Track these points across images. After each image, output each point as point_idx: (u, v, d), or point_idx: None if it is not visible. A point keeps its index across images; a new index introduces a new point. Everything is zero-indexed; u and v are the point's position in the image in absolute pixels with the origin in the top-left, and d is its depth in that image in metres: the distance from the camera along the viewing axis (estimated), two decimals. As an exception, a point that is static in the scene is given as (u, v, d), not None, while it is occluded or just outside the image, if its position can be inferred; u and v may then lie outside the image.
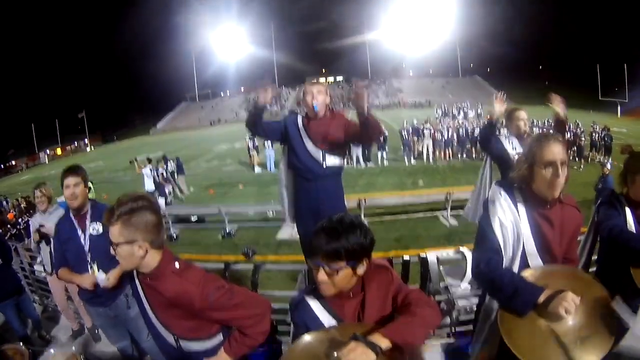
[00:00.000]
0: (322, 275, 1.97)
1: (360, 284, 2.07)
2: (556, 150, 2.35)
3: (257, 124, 4.07)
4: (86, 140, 74.51)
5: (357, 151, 22.20)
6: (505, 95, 5.09)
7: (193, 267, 2.43)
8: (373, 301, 2.09)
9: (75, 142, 72.57)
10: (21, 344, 3.41)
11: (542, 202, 2.44)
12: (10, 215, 15.29)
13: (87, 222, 3.69)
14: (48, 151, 65.22)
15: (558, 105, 4.79)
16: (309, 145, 4.03)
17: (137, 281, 2.45)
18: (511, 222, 2.43)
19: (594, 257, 3.47)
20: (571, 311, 1.99)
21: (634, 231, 3.00)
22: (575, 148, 21.62)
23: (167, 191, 17.26)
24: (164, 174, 16.84)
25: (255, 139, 23.95)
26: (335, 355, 1.73)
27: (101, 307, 3.73)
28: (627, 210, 3.06)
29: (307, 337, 1.95)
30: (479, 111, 47.56)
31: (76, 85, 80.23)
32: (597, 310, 2.09)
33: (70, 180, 3.63)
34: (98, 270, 3.46)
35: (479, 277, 2.46)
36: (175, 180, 19.06)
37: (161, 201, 16.44)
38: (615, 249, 2.99)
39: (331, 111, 4.08)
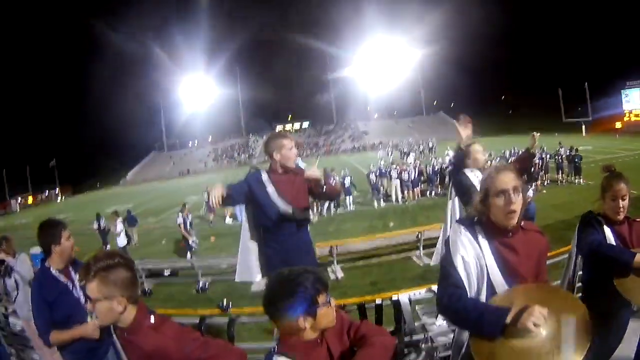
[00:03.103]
0: (334, 306, 2.19)
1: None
2: (507, 179, 2.42)
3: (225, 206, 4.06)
4: (57, 190, 73.65)
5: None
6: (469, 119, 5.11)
7: (168, 320, 2.45)
8: (335, 343, 2.19)
9: (47, 191, 71.61)
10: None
11: (503, 232, 2.46)
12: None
13: (72, 274, 3.64)
14: (20, 199, 64.31)
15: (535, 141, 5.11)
16: (279, 202, 3.99)
17: (114, 337, 2.45)
18: (473, 257, 2.43)
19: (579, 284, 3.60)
20: (540, 324, 1.99)
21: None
22: (542, 172, 22.28)
23: (191, 242, 16.60)
24: (184, 223, 16.32)
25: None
26: None
27: None
28: (606, 229, 3.18)
29: None
30: (430, 146, 49.22)
31: (47, 134, 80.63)
32: (568, 314, 2.10)
33: (68, 233, 3.64)
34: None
35: (444, 311, 2.46)
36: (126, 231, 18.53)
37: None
38: (598, 264, 3.10)
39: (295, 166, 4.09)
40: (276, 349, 2.16)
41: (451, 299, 2.32)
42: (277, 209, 3.99)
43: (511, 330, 2.06)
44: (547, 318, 2.02)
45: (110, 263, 2.26)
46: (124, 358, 2.43)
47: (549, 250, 2.69)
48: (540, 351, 1.98)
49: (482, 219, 2.53)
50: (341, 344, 2.22)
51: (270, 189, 4.02)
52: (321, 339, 2.17)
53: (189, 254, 16.06)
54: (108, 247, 17.37)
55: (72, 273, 3.66)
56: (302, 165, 3.99)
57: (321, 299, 2.10)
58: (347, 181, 22.64)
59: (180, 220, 15.97)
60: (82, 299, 3.54)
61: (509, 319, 2.07)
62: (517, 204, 2.39)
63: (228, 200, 3.98)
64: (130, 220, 21.29)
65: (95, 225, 18.39)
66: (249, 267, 4.42)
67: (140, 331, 2.32)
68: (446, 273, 2.46)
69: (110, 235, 17.48)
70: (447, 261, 2.50)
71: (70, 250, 3.65)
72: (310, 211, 4.37)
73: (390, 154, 49.70)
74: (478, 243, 2.47)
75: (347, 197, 23.03)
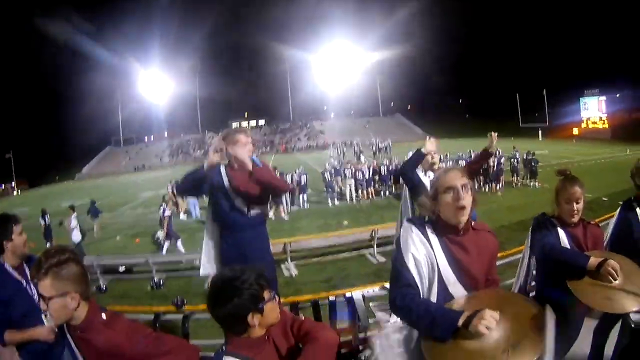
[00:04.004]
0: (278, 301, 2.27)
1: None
2: (455, 176, 2.48)
3: (189, 191, 4.15)
4: (13, 183, 71.86)
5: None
6: (429, 134, 5.35)
7: (119, 317, 2.47)
8: (281, 339, 2.26)
9: (2, 185, 69.55)
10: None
11: (453, 230, 2.50)
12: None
13: (27, 271, 3.49)
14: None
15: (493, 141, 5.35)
16: (234, 196, 4.04)
17: (68, 335, 2.43)
18: (424, 255, 2.45)
19: (533, 283, 3.69)
20: (492, 327, 2.02)
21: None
22: (497, 175, 22.66)
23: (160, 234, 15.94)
24: (166, 216, 15.58)
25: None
26: None
27: None
28: (560, 231, 3.25)
29: None
30: (384, 145, 49.74)
31: (3, 128, 77.38)
32: (523, 316, 2.16)
33: (21, 228, 3.51)
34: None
35: (396, 312, 2.45)
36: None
37: (179, 243, 15.33)
38: (551, 266, 3.15)
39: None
40: (225, 349, 2.17)
41: (404, 301, 2.34)
42: (232, 202, 4.06)
43: (463, 333, 2.09)
44: (499, 320, 2.06)
45: (61, 259, 2.25)
46: (78, 356, 2.41)
47: (498, 250, 2.75)
48: (493, 352, 2.01)
49: (433, 218, 2.57)
50: (287, 340, 2.27)
51: (226, 181, 4.08)
52: (268, 336, 2.21)
53: (178, 243, 15.40)
54: (48, 244, 16.87)
55: (26, 270, 3.53)
56: (258, 162, 4.01)
57: (266, 294, 2.15)
58: (303, 179, 22.65)
59: (167, 212, 15.49)
60: (36, 297, 3.39)
61: (460, 322, 2.11)
62: (467, 200, 2.44)
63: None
64: (93, 212, 20.94)
65: (42, 222, 17.83)
66: (210, 260, 4.49)
67: (92, 328, 2.32)
68: (398, 273, 2.48)
69: (63, 230, 16.90)
70: (398, 260, 2.51)
71: (23, 246, 3.52)
72: (274, 208, 4.40)
73: (343, 153, 49.95)
74: (429, 241, 2.50)
75: (302, 195, 22.96)
